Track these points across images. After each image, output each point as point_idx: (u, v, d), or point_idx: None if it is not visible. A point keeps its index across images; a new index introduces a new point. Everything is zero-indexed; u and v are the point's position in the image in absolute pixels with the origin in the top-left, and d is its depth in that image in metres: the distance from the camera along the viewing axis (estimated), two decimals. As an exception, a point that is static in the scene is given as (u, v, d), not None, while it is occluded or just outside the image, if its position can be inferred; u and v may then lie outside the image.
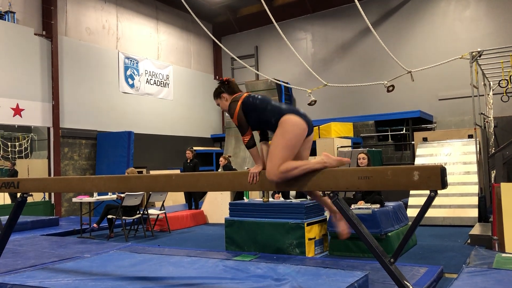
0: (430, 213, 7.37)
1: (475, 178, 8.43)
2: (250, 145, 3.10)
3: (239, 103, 3.21)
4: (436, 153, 9.33)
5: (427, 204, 2.55)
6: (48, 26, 11.29)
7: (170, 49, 15.62)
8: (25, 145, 12.68)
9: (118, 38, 13.55)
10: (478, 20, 12.98)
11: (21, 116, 10.56)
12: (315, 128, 11.41)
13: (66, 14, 12.00)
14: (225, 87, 3.36)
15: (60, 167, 11.34)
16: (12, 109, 10.37)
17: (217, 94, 3.41)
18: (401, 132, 12.59)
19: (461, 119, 12.77)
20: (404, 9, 14.09)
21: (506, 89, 9.72)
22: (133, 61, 13.94)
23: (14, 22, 10.61)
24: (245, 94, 3.28)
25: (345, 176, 2.78)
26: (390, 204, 5.98)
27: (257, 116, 3.15)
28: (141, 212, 7.77)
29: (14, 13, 10.63)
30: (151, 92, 14.50)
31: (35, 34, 11.02)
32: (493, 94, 11.23)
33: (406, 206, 7.94)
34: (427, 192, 2.51)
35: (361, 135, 12.97)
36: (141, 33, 14.40)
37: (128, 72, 13.72)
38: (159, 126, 14.58)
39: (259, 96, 3.26)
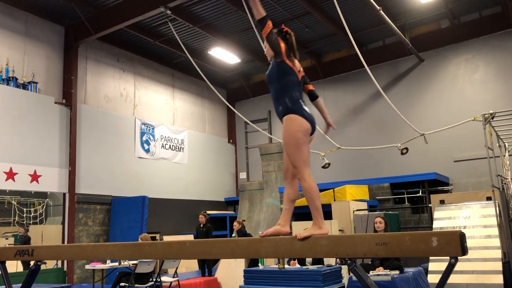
0: (452, 279, 7.09)
1: (497, 242, 8.15)
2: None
3: (284, 59, 3.29)
4: (454, 216, 9.11)
5: (448, 271, 2.47)
6: (68, 95, 11.72)
7: (186, 115, 16.00)
8: (40, 211, 12.75)
9: (135, 105, 13.97)
10: (488, 82, 13.15)
11: (38, 182, 10.71)
12: (330, 191, 11.32)
13: (85, 83, 12.49)
14: (281, 37, 3.37)
15: (74, 233, 11.31)
16: (30, 175, 10.54)
17: (269, 36, 3.35)
18: (418, 194, 12.40)
19: (478, 181, 12.58)
20: (414, 73, 14.39)
21: (522, 150, 9.62)
22: (149, 127, 14.26)
23: (36, 92, 11.04)
24: (292, 67, 3.31)
25: (363, 243, 2.73)
26: (410, 270, 5.79)
27: (282, 86, 3.28)
28: (154, 280, 7.61)
29: (36, 83, 11.11)
30: (166, 157, 14.69)
31: (55, 102, 11.43)
32: (509, 155, 11.12)
33: (426, 271, 7.67)
34: (446, 256, 2.44)
35: (377, 197, 12.80)
36: (157, 100, 14.85)
37: (144, 138, 13.99)
38: (173, 190, 14.62)
39: (294, 79, 3.32)
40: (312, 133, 3.32)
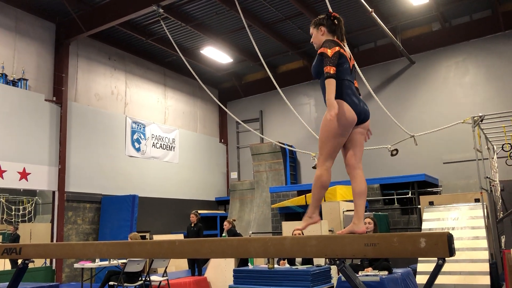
0: (440, 280, 7.15)
1: (484, 243, 8.24)
2: (335, 76, 3.00)
3: (339, 49, 3.09)
4: (443, 217, 9.20)
5: (436, 272, 2.50)
6: (58, 92, 11.64)
7: (177, 114, 15.96)
8: (29, 209, 12.64)
9: (126, 104, 13.90)
10: (478, 85, 13.28)
11: (27, 180, 10.62)
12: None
13: (76, 81, 12.41)
14: (329, 23, 3.23)
15: (63, 232, 11.23)
16: (19, 173, 10.46)
17: (317, 23, 3.26)
18: (407, 195, 12.49)
19: (467, 182, 12.70)
20: (404, 75, 14.49)
21: (510, 153, 9.74)
22: (140, 126, 14.20)
23: (26, 89, 10.95)
24: (345, 53, 3.15)
25: (351, 243, 2.74)
26: (398, 271, 5.83)
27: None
28: (143, 279, 7.59)
29: (27, 80, 11.01)
30: (157, 156, 14.64)
31: (45, 100, 11.34)
32: (498, 157, 11.24)
33: (415, 272, 7.73)
34: (434, 257, 2.47)
35: (367, 198, 12.88)
36: (149, 99, 14.79)
37: (135, 136, 13.93)
38: (163, 190, 14.57)
39: (347, 66, 3.15)
40: (360, 123, 3.14)
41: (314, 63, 3.28)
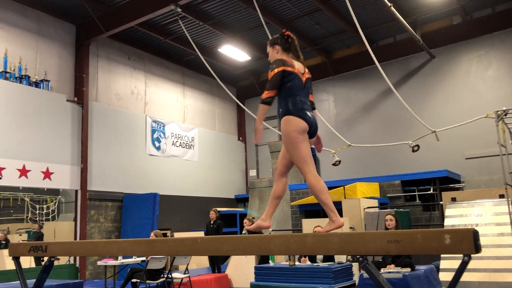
0: (465, 277, 7.03)
1: (510, 240, 8.07)
2: (268, 101, 3.24)
3: (284, 68, 3.27)
4: (466, 214, 9.04)
5: (461, 269, 2.46)
6: (79, 93, 11.82)
7: (196, 112, 16.05)
8: (53, 208, 12.89)
9: (146, 103, 14.04)
10: (501, 78, 13.01)
11: (50, 179, 10.82)
12: (340, 189, 11.28)
13: (97, 81, 12.58)
14: (282, 42, 3.42)
15: (86, 230, 11.41)
16: (42, 172, 10.66)
17: (272, 43, 3.46)
18: (429, 192, 12.32)
19: (490, 178, 12.47)
20: (425, 69, 14.28)
21: (535, 148, 9.51)
22: (160, 125, 14.33)
23: (48, 90, 11.15)
24: (293, 71, 3.32)
25: (374, 240, 2.72)
26: (421, 268, 5.77)
27: (282, 91, 3.28)
28: (165, 276, 7.67)
29: (49, 81, 11.21)
30: (177, 154, 14.76)
31: (67, 100, 11.53)
32: (522, 152, 11.00)
33: (437, 269, 7.63)
34: (458, 254, 2.43)
35: (388, 195, 12.74)
36: (168, 98, 14.91)
37: (155, 135, 14.07)
38: (183, 187, 14.68)
39: (296, 82, 3.33)
40: (311, 136, 3.36)
41: None
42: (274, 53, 3.43)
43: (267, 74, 3.37)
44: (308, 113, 3.33)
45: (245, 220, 9.62)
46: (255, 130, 3.29)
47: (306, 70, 3.47)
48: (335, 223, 3.14)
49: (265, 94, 3.23)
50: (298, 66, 3.40)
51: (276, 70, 3.27)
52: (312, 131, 3.34)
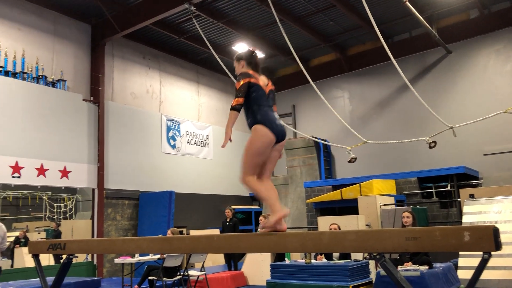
0: (484, 275, 6.92)
1: (530, 237, 7.94)
2: (238, 108, 3.45)
3: (249, 79, 3.52)
4: (484, 211, 8.90)
5: (481, 267, 2.42)
6: (95, 92, 11.94)
7: (210, 111, 16.09)
8: (70, 206, 13.07)
9: (161, 102, 14.13)
10: (520, 73, 12.77)
11: (67, 178, 10.96)
12: (356, 186, 11.21)
13: (112, 80, 12.69)
14: (247, 57, 3.72)
15: (103, 228, 11.54)
16: (60, 171, 10.80)
17: (238, 58, 3.77)
18: (446, 189, 12.17)
19: (510, 174, 12.26)
20: (441, 65, 14.10)
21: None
22: (175, 123, 14.40)
23: (65, 89, 11.29)
24: (256, 82, 3.56)
25: (392, 237, 2.69)
26: (439, 265, 5.70)
27: (248, 101, 3.51)
28: (182, 273, 7.71)
29: (65, 81, 11.35)
30: (192, 152, 14.82)
31: (83, 99, 11.66)
32: (542, 148, 10.80)
33: (456, 267, 7.53)
34: (478, 252, 2.39)
35: (404, 192, 12.62)
36: (182, 96, 14.97)
37: (170, 134, 14.15)
38: (198, 185, 14.75)
39: (260, 93, 3.56)
40: (278, 142, 3.52)
41: None
42: (240, 67, 3.72)
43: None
44: (276, 121, 3.52)
45: (260, 217, 9.62)
46: (225, 135, 3.52)
47: (270, 83, 3.73)
48: (276, 214, 3.27)
49: (235, 102, 3.46)
50: (262, 79, 3.66)
51: (242, 82, 3.50)
52: (280, 139, 3.52)
